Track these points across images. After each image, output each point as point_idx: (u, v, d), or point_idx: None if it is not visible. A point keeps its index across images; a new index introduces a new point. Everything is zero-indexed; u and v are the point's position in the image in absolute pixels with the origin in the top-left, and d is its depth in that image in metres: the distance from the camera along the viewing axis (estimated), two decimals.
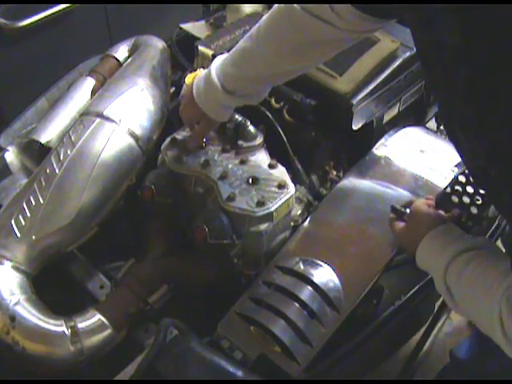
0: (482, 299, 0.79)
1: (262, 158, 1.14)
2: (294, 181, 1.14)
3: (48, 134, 1.23)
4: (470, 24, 0.62)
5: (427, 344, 1.39)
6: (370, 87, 1.21)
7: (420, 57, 0.80)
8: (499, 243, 1.26)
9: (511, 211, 0.73)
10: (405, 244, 1.02)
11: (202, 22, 1.51)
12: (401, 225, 1.02)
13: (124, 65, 1.34)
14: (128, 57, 1.38)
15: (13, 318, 0.96)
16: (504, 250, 1.08)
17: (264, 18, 0.95)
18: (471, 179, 1.16)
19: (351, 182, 1.20)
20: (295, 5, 0.90)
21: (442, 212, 1.00)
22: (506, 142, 0.66)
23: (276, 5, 0.94)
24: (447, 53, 0.67)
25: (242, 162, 1.12)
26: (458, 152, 0.79)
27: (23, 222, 1.05)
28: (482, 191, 1.18)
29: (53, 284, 1.11)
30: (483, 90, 0.65)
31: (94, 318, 1.00)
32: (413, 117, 1.38)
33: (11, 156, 1.24)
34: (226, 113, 1.08)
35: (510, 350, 0.75)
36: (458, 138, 0.76)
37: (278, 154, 1.16)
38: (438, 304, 1.36)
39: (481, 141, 0.70)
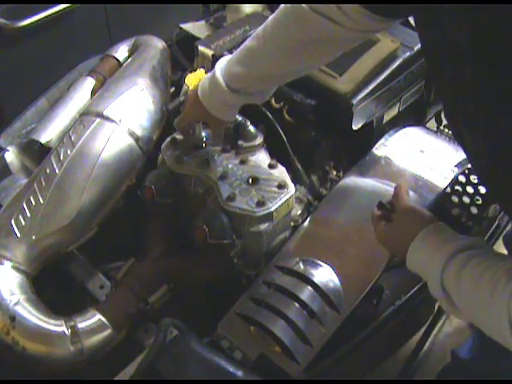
0: (487, 301, 0.75)
1: (262, 158, 1.14)
2: (294, 181, 1.14)
3: (48, 134, 1.23)
4: (481, 23, 0.62)
5: (427, 344, 1.39)
6: (370, 87, 1.21)
7: (426, 55, 0.79)
8: (499, 243, 1.26)
9: None
10: (391, 245, 0.96)
11: (202, 22, 1.51)
12: (386, 224, 0.95)
13: (124, 65, 1.34)
14: (128, 57, 1.38)
15: (13, 317, 0.96)
16: (505, 250, 1.08)
17: (270, 17, 0.95)
18: (472, 179, 1.16)
19: (351, 181, 1.20)
20: (302, 4, 0.90)
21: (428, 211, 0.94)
22: None
23: (282, 4, 0.94)
24: (456, 52, 0.67)
25: (242, 162, 1.12)
26: (464, 151, 0.78)
27: (23, 222, 1.05)
28: (482, 191, 1.19)
29: (53, 284, 1.11)
30: (492, 90, 0.65)
31: (94, 318, 1.00)
32: (413, 117, 1.38)
33: (11, 156, 1.24)
34: (232, 112, 1.08)
35: None
36: (465, 138, 0.76)
37: (278, 154, 1.16)
38: (438, 304, 1.36)
39: (488, 140, 0.69)
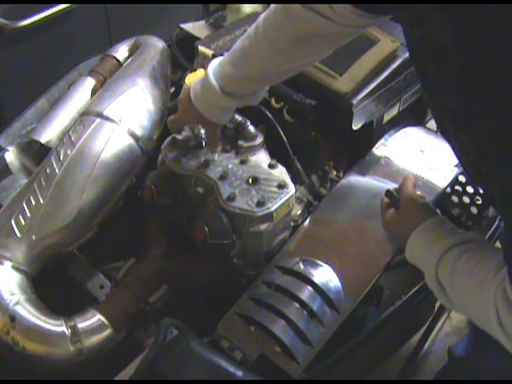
0: (477, 292, 0.78)
1: (262, 158, 1.14)
2: (294, 181, 1.14)
3: (48, 134, 1.23)
4: (463, 22, 0.63)
5: (427, 344, 1.39)
6: (370, 87, 1.21)
7: (411, 52, 0.80)
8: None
9: (501, 206, 0.73)
10: (393, 233, 1.01)
11: (202, 22, 1.51)
12: (392, 211, 1.01)
13: (124, 65, 1.34)
14: (128, 57, 1.38)
15: (13, 318, 0.96)
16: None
17: (261, 16, 0.95)
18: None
19: (351, 181, 1.20)
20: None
21: (431, 204, 0.99)
22: (494, 136, 0.66)
23: (273, 4, 0.94)
24: (439, 49, 0.68)
25: (242, 162, 1.12)
26: (450, 146, 0.80)
27: (23, 222, 1.05)
28: (482, 191, 1.19)
29: (53, 284, 1.11)
30: (474, 88, 0.66)
31: (94, 318, 1.00)
32: (413, 117, 1.38)
33: (11, 156, 1.24)
34: (226, 114, 1.07)
35: (507, 342, 0.75)
36: (449, 133, 0.77)
37: (278, 154, 1.16)
38: (438, 304, 1.36)
39: (470, 136, 0.70)
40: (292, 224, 1.13)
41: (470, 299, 0.81)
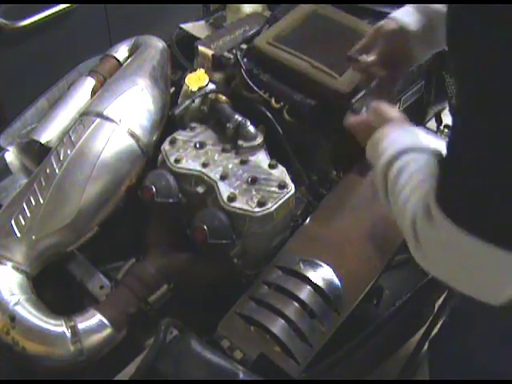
0: (404, 198, 0.77)
1: (262, 158, 1.14)
2: (294, 181, 1.14)
3: (48, 134, 1.23)
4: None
5: (427, 344, 1.39)
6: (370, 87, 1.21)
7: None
8: None
9: None
10: (359, 134, 0.99)
11: (202, 22, 1.51)
12: (360, 115, 1.00)
13: (124, 65, 1.34)
14: (128, 57, 1.38)
15: (13, 318, 0.96)
16: None
17: None
18: None
19: (351, 181, 1.20)
20: None
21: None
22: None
23: None
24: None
25: (242, 162, 1.12)
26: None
27: (23, 222, 1.05)
28: None
29: (53, 284, 1.11)
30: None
31: (94, 318, 1.00)
32: (413, 117, 1.38)
33: (11, 156, 1.24)
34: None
35: (416, 251, 0.74)
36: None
37: (278, 154, 1.16)
38: (438, 304, 1.36)
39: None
40: (292, 224, 1.13)
41: (398, 204, 0.79)
